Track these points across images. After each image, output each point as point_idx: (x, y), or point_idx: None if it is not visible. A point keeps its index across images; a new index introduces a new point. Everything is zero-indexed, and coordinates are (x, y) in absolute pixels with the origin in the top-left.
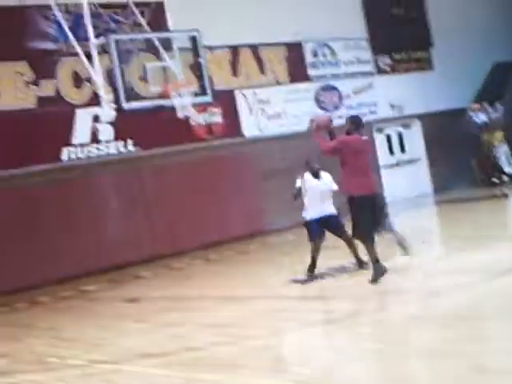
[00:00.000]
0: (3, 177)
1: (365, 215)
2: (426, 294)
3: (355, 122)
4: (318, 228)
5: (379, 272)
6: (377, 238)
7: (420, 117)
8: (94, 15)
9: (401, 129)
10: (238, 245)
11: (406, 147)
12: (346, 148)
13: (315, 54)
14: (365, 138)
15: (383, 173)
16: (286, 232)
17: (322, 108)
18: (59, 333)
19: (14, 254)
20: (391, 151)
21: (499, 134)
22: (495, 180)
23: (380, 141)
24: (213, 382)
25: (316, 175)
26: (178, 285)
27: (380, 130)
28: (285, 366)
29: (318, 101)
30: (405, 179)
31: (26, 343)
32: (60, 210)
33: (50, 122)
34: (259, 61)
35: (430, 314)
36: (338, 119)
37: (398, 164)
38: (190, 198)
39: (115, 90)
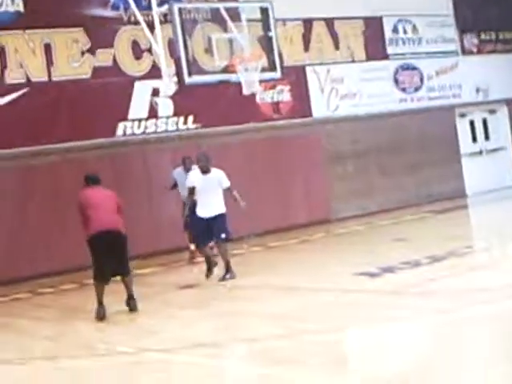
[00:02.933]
0: (57, 149)
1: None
2: (507, 292)
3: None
4: (204, 229)
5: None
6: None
7: (507, 102)
8: None
9: (486, 114)
10: (301, 233)
11: (491, 134)
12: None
13: (395, 30)
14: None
15: (464, 161)
16: (353, 220)
17: (402, 89)
18: (108, 317)
19: (65, 231)
20: (474, 138)
21: None
22: None
23: (463, 127)
24: (268, 377)
25: (205, 171)
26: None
27: (463, 115)
28: (346, 363)
29: (396, 81)
30: (488, 169)
31: (73, 326)
32: (114, 187)
33: (106, 95)
34: (334, 36)
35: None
36: (417, 101)
37: (481, 152)
38: (251, 180)
39: (177, 63)
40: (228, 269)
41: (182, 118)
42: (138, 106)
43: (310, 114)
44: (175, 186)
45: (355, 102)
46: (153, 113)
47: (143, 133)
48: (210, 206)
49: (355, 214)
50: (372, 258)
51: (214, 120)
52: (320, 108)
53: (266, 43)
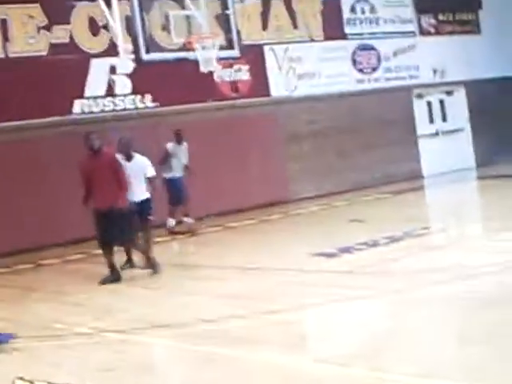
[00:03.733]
0: (10, 127)
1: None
2: (463, 273)
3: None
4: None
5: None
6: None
7: (464, 83)
8: None
9: (443, 96)
10: (259, 213)
11: (448, 116)
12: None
13: (353, 10)
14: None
15: (421, 143)
16: (311, 201)
17: (359, 70)
18: (65, 297)
19: (21, 211)
20: (431, 120)
21: None
22: None
23: (420, 108)
24: (229, 358)
25: (128, 158)
26: (195, 252)
27: (420, 96)
28: (306, 342)
29: (354, 61)
30: (445, 151)
31: (29, 307)
32: (72, 165)
33: (63, 71)
34: (292, 14)
35: (466, 295)
36: (374, 82)
37: (437, 134)
38: (209, 160)
39: (134, 40)
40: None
41: (139, 96)
42: (95, 83)
43: (268, 94)
44: (166, 159)
45: (313, 82)
46: (110, 91)
47: (101, 111)
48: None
49: (312, 195)
50: (329, 238)
51: (173, 98)
52: (278, 88)
53: (224, 21)
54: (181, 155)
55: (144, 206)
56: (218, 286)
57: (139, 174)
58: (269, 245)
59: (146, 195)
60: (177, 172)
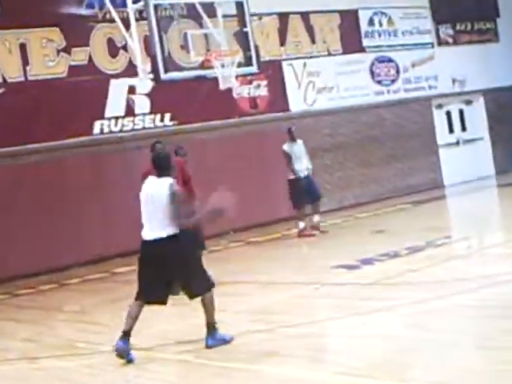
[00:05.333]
0: (34, 149)
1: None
2: (486, 282)
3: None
4: None
5: None
6: None
7: (483, 93)
8: None
9: (462, 105)
10: (282, 227)
11: (468, 125)
12: None
13: (371, 23)
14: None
15: (442, 152)
16: (332, 214)
17: (378, 82)
18: (88, 317)
19: (45, 231)
20: (451, 129)
21: None
22: None
23: (439, 118)
24: (250, 372)
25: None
26: (215, 268)
27: (440, 107)
28: (326, 356)
29: (372, 73)
30: (465, 160)
31: (53, 327)
32: (92, 185)
33: (82, 93)
34: (310, 29)
35: (488, 303)
36: (394, 94)
37: (458, 143)
38: (230, 176)
39: (153, 60)
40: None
41: (158, 116)
42: (115, 103)
43: (288, 109)
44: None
45: (332, 95)
46: (130, 111)
47: (120, 131)
48: None
49: (336, 207)
50: (350, 250)
51: (192, 116)
52: (297, 102)
53: (242, 38)
54: (299, 153)
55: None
56: (238, 301)
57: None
58: (290, 258)
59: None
60: (300, 171)
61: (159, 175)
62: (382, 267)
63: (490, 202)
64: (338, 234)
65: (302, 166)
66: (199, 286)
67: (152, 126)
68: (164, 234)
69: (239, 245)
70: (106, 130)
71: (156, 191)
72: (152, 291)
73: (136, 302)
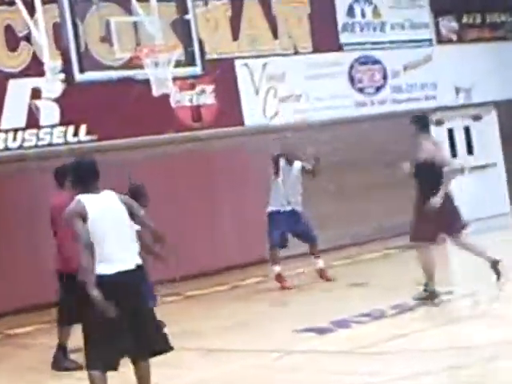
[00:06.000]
0: None
1: None
2: (494, 353)
3: None
4: None
5: None
6: None
7: (496, 105)
8: None
9: (469, 121)
10: (232, 276)
11: (476, 147)
12: None
13: (351, 13)
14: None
15: None
16: (298, 261)
17: (359, 90)
18: None
19: None
20: (454, 153)
21: None
22: None
23: (439, 137)
24: None
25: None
26: None
27: (439, 123)
28: None
29: (352, 79)
30: (472, 192)
31: None
32: None
33: None
34: (271, 20)
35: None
36: (379, 105)
37: (462, 171)
38: (165, 209)
39: (64, 55)
40: None
41: (71, 128)
42: (13, 111)
43: (242, 122)
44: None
45: (300, 106)
46: (33, 121)
47: (20, 147)
48: None
49: (300, 252)
50: (322, 308)
51: (115, 130)
52: (254, 114)
53: (183, 29)
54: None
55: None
56: (176, 374)
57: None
58: (245, 318)
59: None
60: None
61: None
62: (360, 331)
63: (504, 247)
64: (307, 287)
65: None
66: (163, 339)
67: (62, 141)
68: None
69: (180, 298)
70: (0, 145)
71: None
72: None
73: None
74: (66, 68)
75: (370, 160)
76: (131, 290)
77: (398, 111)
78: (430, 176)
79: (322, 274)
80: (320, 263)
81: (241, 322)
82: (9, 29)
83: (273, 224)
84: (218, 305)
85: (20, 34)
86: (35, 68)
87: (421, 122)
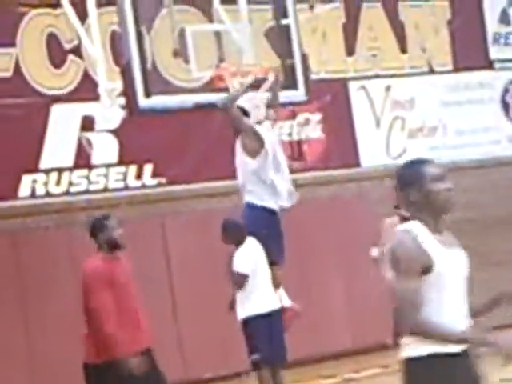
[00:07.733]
0: None
1: None
2: None
3: None
4: None
5: None
6: None
7: None
8: None
9: None
10: (343, 366)
11: None
12: None
13: (505, 20)
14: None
15: None
16: None
17: None
18: None
19: None
20: None
21: None
22: None
23: None
24: None
25: None
26: None
27: None
28: None
29: (506, 106)
30: None
31: None
32: (15, 284)
33: (3, 127)
34: (398, 28)
35: None
36: None
37: None
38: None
39: (125, 73)
40: None
41: (133, 168)
42: (58, 146)
43: (357, 163)
44: None
45: (434, 141)
46: (82, 159)
47: (66, 193)
48: None
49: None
50: None
51: (188, 172)
52: (374, 152)
53: (280, 41)
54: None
55: None
56: None
57: None
58: None
59: None
60: None
61: None
62: None
63: None
64: None
65: None
66: None
67: (120, 185)
68: None
69: None
70: (40, 191)
71: None
72: None
73: None
74: (127, 91)
75: None
76: None
77: None
78: None
79: None
80: None
81: None
82: (52, 39)
83: None
84: None
85: (67, 46)
86: (86, 90)
87: None
